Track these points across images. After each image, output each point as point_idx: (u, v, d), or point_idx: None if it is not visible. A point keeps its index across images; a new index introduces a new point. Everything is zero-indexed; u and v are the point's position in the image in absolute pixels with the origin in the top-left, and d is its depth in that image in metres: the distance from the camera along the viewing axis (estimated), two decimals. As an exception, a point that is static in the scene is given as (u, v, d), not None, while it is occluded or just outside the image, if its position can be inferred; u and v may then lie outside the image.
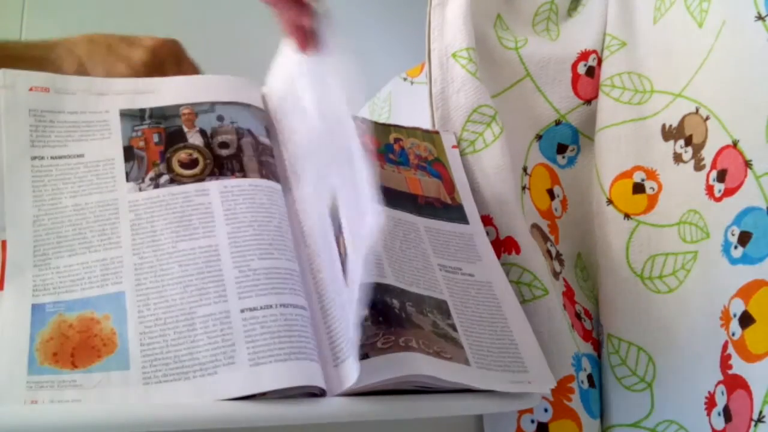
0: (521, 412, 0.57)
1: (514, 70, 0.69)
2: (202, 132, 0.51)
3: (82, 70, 0.59)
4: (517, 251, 0.59)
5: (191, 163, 0.50)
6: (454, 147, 0.63)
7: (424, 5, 0.68)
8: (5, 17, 0.86)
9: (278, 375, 0.42)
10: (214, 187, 0.49)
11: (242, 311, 0.44)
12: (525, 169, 0.66)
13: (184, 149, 0.50)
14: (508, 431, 0.57)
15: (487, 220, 0.61)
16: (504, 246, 0.60)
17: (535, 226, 0.64)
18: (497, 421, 0.57)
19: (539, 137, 0.69)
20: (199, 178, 0.49)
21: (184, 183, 0.49)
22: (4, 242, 0.44)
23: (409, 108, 0.80)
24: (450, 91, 0.64)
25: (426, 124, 0.65)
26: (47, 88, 0.50)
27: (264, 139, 0.53)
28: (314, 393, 0.43)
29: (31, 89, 0.50)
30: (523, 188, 0.65)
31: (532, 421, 0.57)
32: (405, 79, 0.82)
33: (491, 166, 0.62)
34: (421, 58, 0.74)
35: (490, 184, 0.61)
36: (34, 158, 0.48)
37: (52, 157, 0.48)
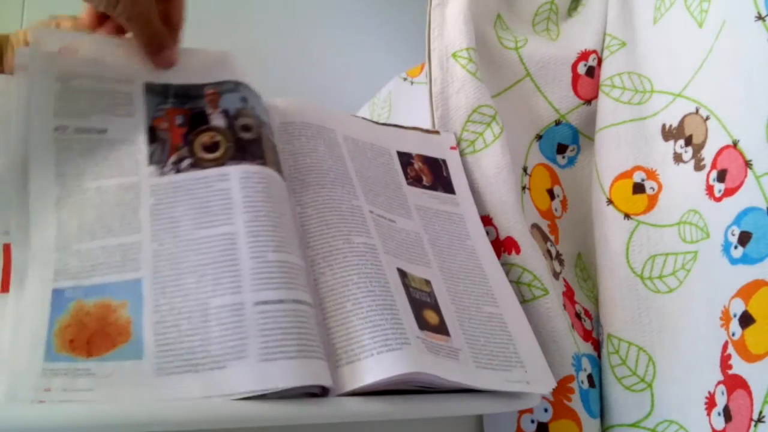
0: (521, 412, 0.57)
1: (514, 70, 0.69)
2: (225, 113, 0.50)
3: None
4: (517, 251, 0.59)
5: (213, 146, 0.48)
6: (452, 148, 0.63)
7: (424, 5, 0.68)
8: (5, 11, 0.85)
9: (286, 373, 0.41)
10: (234, 172, 0.47)
11: (256, 304, 0.43)
12: (525, 169, 0.66)
13: (207, 132, 0.49)
14: (508, 431, 0.57)
15: (486, 220, 0.61)
16: (504, 246, 0.60)
17: (535, 226, 0.64)
18: (497, 421, 0.57)
19: (539, 137, 0.69)
20: (220, 162, 0.48)
21: (205, 167, 0.47)
22: (7, 246, 0.44)
23: (409, 108, 0.80)
24: (450, 91, 0.64)
25: (426, 124, 0.65)
26: (76, 49, 0.48)
27: (272, 137, 0.52)
28: (314, 393, 0.43)
29: (60, 51, 0.47)
30: (523, 188, 0.65)
31: (532, 421, 0.57)
32: (405, 79, 0.82)
33: (491, 166, 0.62)
34: (421, 58, 0.73)
35: (490, 184, 0.62)
36: (56, 129, 0.46)
37: (75, 130, 0.47)
